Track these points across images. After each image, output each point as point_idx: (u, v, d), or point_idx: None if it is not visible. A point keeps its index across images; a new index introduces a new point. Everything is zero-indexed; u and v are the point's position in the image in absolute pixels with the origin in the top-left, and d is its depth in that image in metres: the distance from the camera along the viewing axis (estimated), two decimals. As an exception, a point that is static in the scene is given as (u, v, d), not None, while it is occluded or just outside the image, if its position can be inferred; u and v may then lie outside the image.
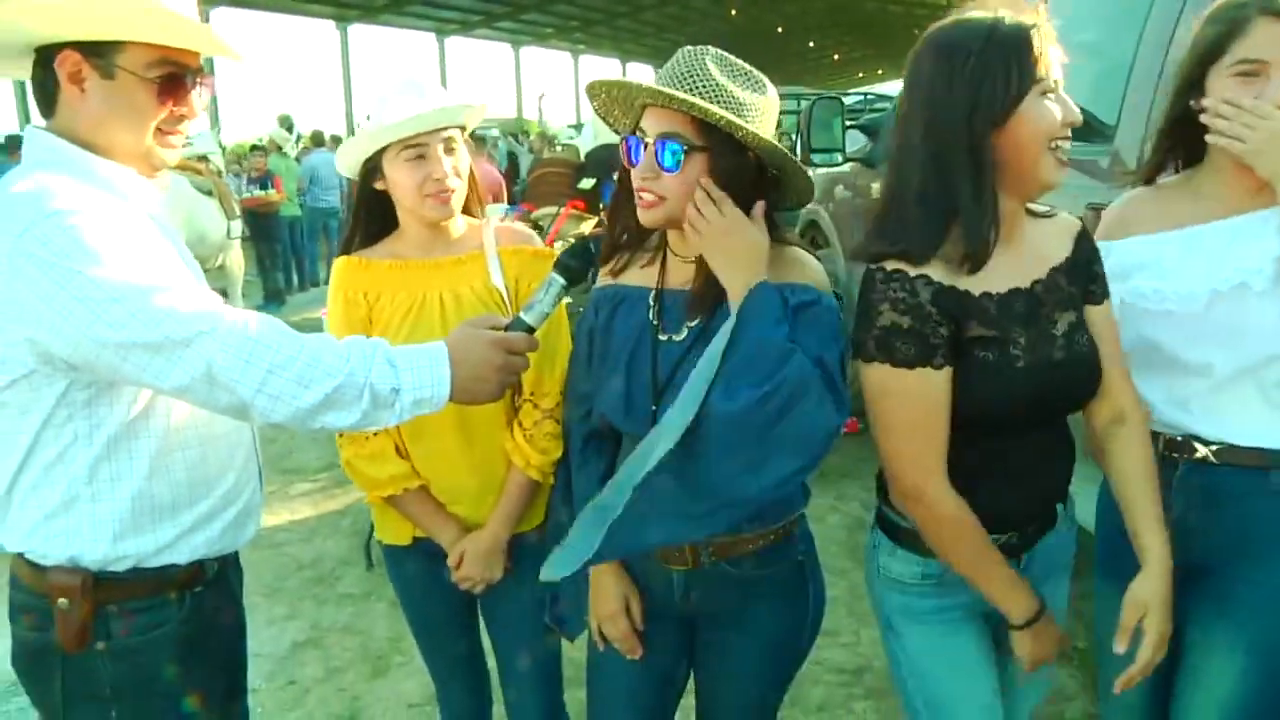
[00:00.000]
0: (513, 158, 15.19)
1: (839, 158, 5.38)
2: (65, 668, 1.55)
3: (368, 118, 2.08)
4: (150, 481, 1.53)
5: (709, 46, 1.67)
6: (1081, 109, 1.51)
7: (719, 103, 1.56)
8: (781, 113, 1.90)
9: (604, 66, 40.92)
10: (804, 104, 6.06)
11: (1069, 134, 1.50)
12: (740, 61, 1.64)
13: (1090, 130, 2.65)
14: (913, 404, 1.52)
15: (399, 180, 1.97)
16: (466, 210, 2.09)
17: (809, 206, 6.07)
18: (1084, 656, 3.23)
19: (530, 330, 1.65)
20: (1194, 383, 1.72)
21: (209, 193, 7.79)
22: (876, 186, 5.08)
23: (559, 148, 9.16)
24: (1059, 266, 1.61)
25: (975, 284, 1.53)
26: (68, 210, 1.37)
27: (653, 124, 1.63)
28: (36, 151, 1.51)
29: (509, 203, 7.70)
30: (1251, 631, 1.64)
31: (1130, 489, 1.65)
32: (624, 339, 1.76)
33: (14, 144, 10.04)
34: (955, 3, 1.57)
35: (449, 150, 1.98)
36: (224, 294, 9.50)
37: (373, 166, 2.00)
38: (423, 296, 2.02)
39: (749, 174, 1.63)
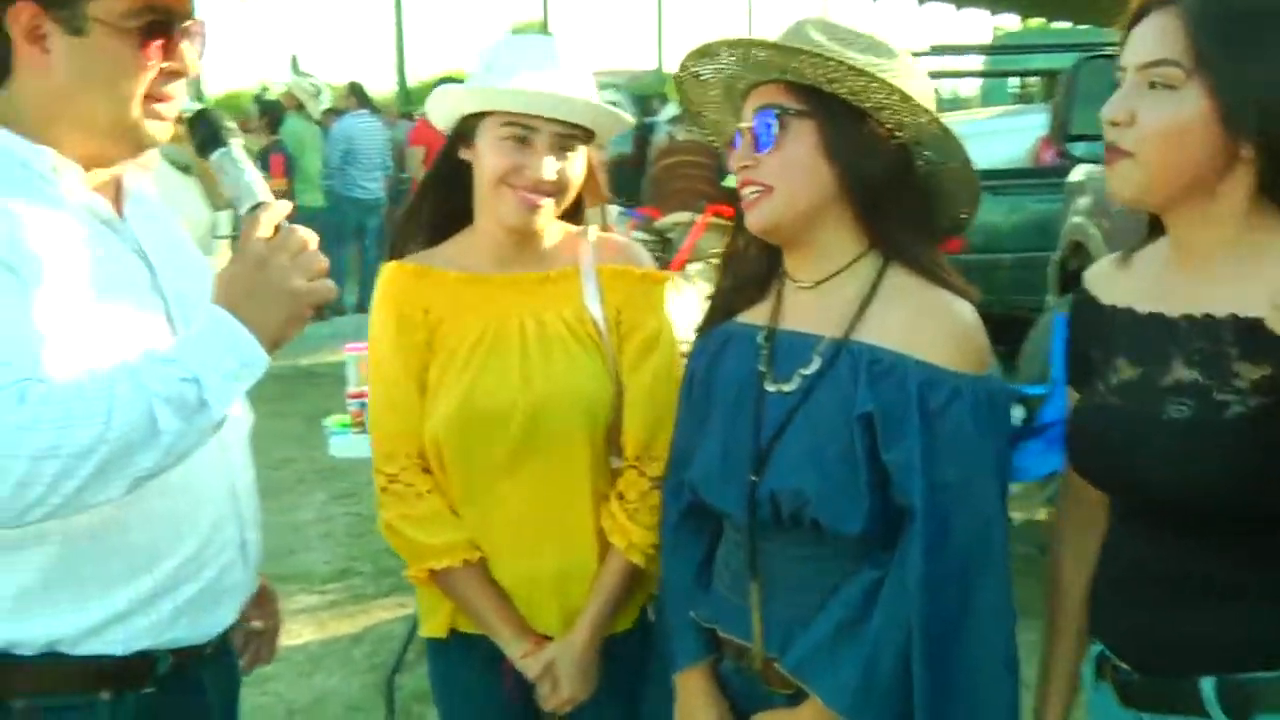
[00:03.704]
0: (642, 135, 9.79)
1: None
2: None
3: (480, 60, 2.06)
4: (66, 547, 1.52)
5: (817, 16, 1.75)
6: None
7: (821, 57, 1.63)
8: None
9: (784, 5, 31.32)
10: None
11: None
12: (858, 28, 1.68)
13: None
14: None
15: (486, 159, 1.92)
16: (567, 215, 2.06)
17: (1073, 222, 5.01)
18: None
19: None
20: None
21: (186, 169, 6.01)
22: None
23: (694, 129, 7.22)
24: (1243, 316, 1.52)
25: (1123, 297, 1.61)
26: None
27: (750, 108, 1.69)
28: None
29: (627, 203, 5.98)
30: None
31: None
32: (726, 390, 1.79)
33: None
34: None
35: (562, 148, 1.92)
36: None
37: (468, 130, 1.96)
38: (498, 323, 1.99)
39: (882, 156, 1.64)
